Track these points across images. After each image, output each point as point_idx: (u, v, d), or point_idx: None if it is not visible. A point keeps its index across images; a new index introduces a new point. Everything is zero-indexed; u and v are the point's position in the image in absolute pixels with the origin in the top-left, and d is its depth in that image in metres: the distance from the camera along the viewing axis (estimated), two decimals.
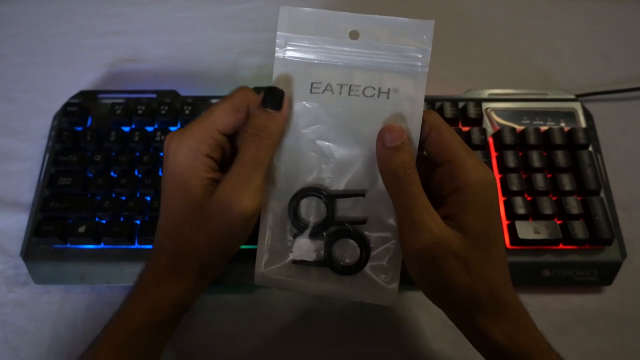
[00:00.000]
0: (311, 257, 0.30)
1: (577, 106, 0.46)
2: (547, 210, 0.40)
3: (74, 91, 0.47)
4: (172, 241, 0.30)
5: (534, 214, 0.40)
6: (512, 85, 0.48)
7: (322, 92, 0.28)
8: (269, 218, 0.30)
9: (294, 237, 0.30)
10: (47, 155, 0.43)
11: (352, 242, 0.30)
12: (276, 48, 0.30)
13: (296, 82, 0.28)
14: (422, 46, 0.28)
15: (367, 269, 0.30)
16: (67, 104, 0.45)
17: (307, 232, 0.30)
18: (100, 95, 0.46)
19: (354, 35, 0.28)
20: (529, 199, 0.41)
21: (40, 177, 0.43)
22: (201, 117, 0.30)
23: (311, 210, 0.30)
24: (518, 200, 0.40)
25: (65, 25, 0.56)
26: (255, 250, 0.30)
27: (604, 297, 0.40)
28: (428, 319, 0.39)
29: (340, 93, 0.28)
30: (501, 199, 0.41)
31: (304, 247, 0.30)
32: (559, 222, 0.40)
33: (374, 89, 0.27)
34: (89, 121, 0.45)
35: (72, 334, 0.39)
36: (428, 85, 0.50)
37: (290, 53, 0.29)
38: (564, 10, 0.57)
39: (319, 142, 0.29)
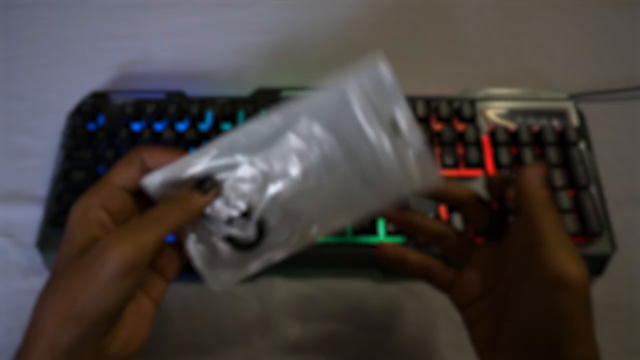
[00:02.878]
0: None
1: (569, 106, 0.47)
2: None
3: (86, 91, 0.49)
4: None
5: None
6: (507, 85, 0.50)
7: None
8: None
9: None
10: (61, 152, 0.46)
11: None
12: None
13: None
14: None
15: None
16: (80, 104, 0.47)
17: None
18: (111, 96, 0.48)
19: None
20: None
21: (54, 173, 0.45)
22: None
23: None
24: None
25: (77, 29, 0.58)
26: None
27: (594, 288, 0.42)
28: (424, 308, 0.41)
29: None
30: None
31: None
32: None
33: None
34: (101, 120, 0.47)
35: None
36: (425, 84, 0.53)
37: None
38: (556, 12, 0.59)
39: None
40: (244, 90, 0.49)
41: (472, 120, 0.46)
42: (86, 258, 0.24)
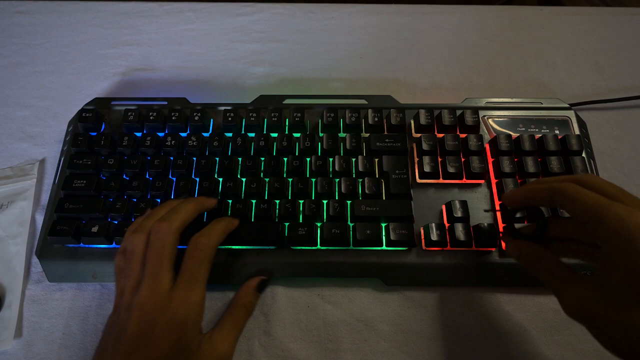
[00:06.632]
0: None
1: (570, 114, 0.47)
2: None
3: (88, 98, 0.49)
4: None
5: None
6: (508, 94, 0.50)
7: None
8: None
9: None
10: (62, 159, 0.45)
11: None
12: None
13: None
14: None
15: None
16: (82, 110, 0.47)
17: None
18: (113, 102, 0.48)
19: None
20: None
21: (55, 180, 0.45)
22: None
23: None
24: None
25: (80, 36, 0.58)
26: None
27: None
28: (426, 317, 0.41)
29: None
30: (497, 203, 0.43)
31: None
32: None
33: None
34: (103, 126, 0.47)
35: (83, 329, 0.40)
36: (429, 95, 0.53)
37: None
38: (557, 22, 0.59)
39: None
40: (246, 97, 0.49)
41: (474, 128, 0.46)
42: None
